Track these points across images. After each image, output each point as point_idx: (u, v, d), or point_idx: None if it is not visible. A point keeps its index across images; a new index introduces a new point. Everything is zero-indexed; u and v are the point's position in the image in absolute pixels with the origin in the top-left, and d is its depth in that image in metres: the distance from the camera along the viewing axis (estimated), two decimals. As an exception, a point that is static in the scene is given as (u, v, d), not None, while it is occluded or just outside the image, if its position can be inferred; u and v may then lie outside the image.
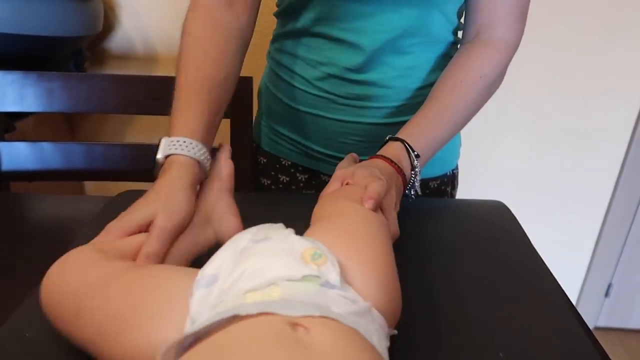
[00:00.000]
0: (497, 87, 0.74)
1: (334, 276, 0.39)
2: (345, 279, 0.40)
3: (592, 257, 1.84)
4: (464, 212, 0.72)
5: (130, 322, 0.38)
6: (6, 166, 1.04)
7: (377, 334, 0.37)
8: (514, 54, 0.74)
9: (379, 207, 0.55)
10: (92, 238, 0.61)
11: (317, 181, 0.88)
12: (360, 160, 0.70)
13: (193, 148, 0.57)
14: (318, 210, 0.57)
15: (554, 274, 0.59)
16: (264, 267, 0.38)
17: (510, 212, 0.71)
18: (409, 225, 0.67)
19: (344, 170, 0.62)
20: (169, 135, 0.59)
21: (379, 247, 0.47)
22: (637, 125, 1.62)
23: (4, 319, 0.48)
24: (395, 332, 0.42)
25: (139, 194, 0.73)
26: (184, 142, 0.57)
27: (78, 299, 0.41)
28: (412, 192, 0.67)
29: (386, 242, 0.49)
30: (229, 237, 0.50)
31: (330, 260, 0.40)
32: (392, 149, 0.66)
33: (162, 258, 0.49)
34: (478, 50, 0.72)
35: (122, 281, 0.42)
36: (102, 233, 0.52)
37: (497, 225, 0.68)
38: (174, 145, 0.57)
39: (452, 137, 0.73)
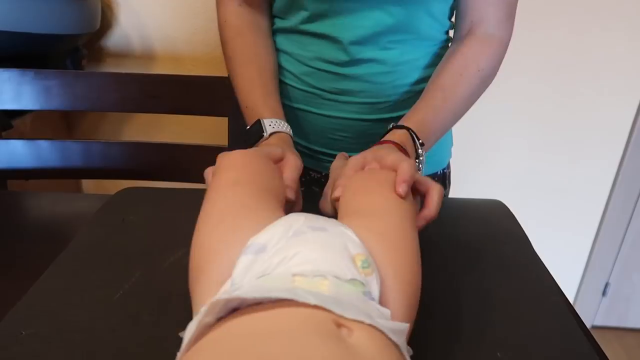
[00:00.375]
0: (490, 82, 0.76)
1: (375, 290, 0.39)
2: (385, 289, 0.40)
3: (590, 256, 1.84)
4: (463, 211, 0.72)
5: (206, 224, 0.46)
6: (3, 164, 1.04)
7: (408, 356, 0.37)
8: (506, 50, 0.75)
9: (410, 192, 0.54)
10: (92, 237, 0.61)
11: (306, 178, 0.88)
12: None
13: (287, 127, 0.72)
14: (351, 198, 0.54)
15: (551, 272, 0.59)
16: (318, 258, 0.39)
17: (510, 211, 0.71)
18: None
19: (367, 154, 0.60)
20: (261, 117, 0.71)
21: (415, 264, 0.46)
22: (635, 123, 1.63)
23: (1, 317, 0.48)
24: (412, 352, 0.42)
25: (138, 191, 0.73)
26: (281, 122, 0.71)
27: (210, 190, 0.50)
28: None
29: (418, 252, 0.48)
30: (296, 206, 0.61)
31: (376, 273, 0.40)
32: (398, 136, 0.66)
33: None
34: (475, 45, 0.73)
35: (236, 194, 0.49)
36: (263, 147, 0.63)
37: (497, 224, 0.68)
38: (276, 125, 0.71)
39: (450, 128, 0.76)
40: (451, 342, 0.47)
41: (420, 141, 0.66)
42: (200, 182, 0.62)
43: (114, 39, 1.58)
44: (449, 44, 0.79)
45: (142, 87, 1.04)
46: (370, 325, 0.34)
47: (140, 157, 1.07)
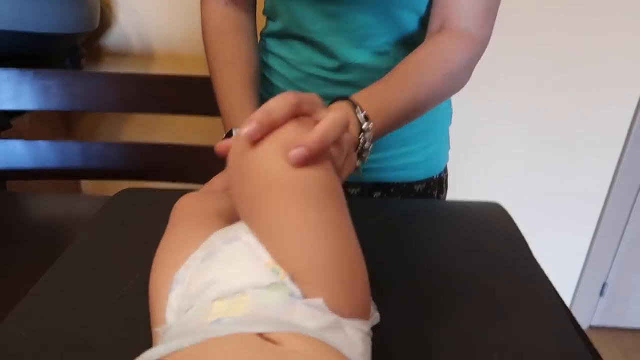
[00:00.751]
0: (463, 82, 0.70)
1: (295, 289, 0.36)
2: (306, 288, 0.36)
3: (588, 256, 1.85)
4: (461, 214, 0.72)
5: (158, 259, 0.44)
6: (2, 165, 1.04)
7: (349, 344, 0.35)
8: (481, 51, 0.70)
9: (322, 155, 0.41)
10: (92, 239, 0.62)
11: None
12: None
13: None
14: (243, 173, 0.41)
15: (549, 272, 0.59)
16: (233, 273, 0.37)
17: (507, 213, 0.71)
18: (405, 226, 0.67)
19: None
20: (235, 126, 0.67)
21: (331, 239, 0.38)
22: (634, 123, 1.63)
23: (1, 319, 0.48)
24: (378, 319, 0.40)
25: (138, 193, 0.73)
26: None
27: (169, 224, 0.49)
28: (360, 161, 0.56)
29: (330, 221, 0.39)
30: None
31: (288, 275, 0.37)
32: (336, 107, 0.56)
33: None
34: (443, 38, 0.68)
35: (185, 228, 0.47)
36: (207, 185, 0.58)
37: (495, 227, 0.68)
38: None
39: (411, 116, 0.65)
40: (448, 345, 0.47)
41: (364, 113, 0.55)
42: (201, 183, 0.62)
43: (113, 38, 1.58)
44: None
45: (141, 88, 1.04)
46: (291, 332, 0.32)
47: (140, 158, 1.07)
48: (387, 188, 0.85)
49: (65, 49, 1.39)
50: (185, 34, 1.56)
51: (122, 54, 1.60)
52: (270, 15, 0.79)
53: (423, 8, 0.72)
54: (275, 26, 0.79)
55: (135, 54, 1.60)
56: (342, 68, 0.75)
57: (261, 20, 0.84)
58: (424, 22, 0.73)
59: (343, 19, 0.71)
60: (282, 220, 0.38)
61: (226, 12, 0.77)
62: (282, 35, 0.78)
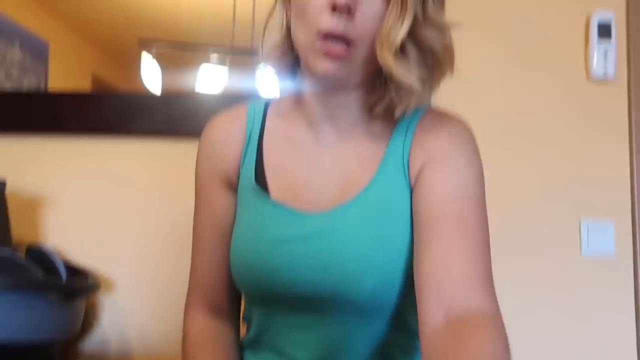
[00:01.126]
0: None
1: None
2: None
3: None
4: None
5: None
6: None
7: None
8: (503, 331, 0.54)
9: None
10: None
11: None
12: None
13: None
14: None
15: None
16: None
17: None
18: None
19: None
20: None
21: None
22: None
23: None
24: None
25: None
26: None
27: None
28: None
29: None
30: None
31: None
32: None
33: None
34: (465, 331, 0.52)
35: None
36: None
37: None
38: None
39: None
40: None
41: None
42: None
43: (92, 341, 1.55)
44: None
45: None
46: None
47: None
48: None
49: (39, 358, 1.35)
50: (165, 337, 1.54)
51: (99, 357, 1.55)
52: (247, 322, 0.79)
53: (411, 320, 0.68)
54: (250, 333, 0.77)
55: (111, 357, 1.55)
56: None
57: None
58: (399, 320, 0.68)
59: (315, 330, 0.69)
60: None
61: (207, 324, 0.77)
62: (255, 344, 0.76)
